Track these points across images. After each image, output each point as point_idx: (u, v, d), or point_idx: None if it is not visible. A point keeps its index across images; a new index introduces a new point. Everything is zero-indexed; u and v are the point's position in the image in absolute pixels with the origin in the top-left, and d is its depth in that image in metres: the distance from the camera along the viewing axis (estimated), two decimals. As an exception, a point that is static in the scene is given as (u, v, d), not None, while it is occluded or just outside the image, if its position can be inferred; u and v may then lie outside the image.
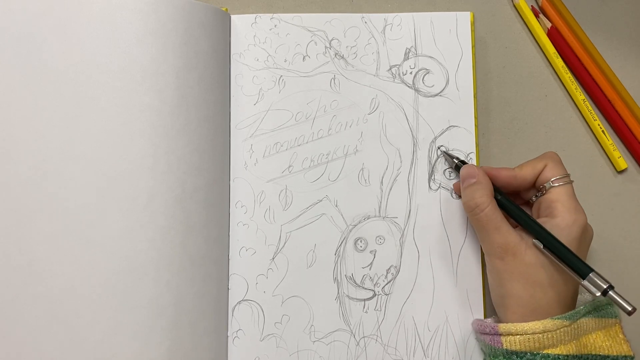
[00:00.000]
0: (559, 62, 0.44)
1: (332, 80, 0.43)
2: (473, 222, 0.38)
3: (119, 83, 0.38)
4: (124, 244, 0.37)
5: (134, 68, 0.38)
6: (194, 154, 0.39)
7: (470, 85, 0.43)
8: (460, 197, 0.41)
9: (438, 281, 0.41)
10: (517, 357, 0.34)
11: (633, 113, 0.44)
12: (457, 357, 0.40)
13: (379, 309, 0.41)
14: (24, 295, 0.36)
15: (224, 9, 0.43)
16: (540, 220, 0.36)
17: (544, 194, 0.38)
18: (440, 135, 0.42)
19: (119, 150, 0.37)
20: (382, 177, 0.42)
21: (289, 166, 0.42)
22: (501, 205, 0.37)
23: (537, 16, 0.45)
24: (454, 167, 0.41)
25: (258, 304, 0.41)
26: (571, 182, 0.37)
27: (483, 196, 0.37)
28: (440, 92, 0.43)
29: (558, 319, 0.34)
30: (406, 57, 0.43)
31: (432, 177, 0.42)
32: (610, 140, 0.44)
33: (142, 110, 0.38)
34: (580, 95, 0.44)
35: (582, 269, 0.34)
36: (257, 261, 0.41)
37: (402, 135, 0.42)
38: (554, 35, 0.45)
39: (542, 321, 0.34)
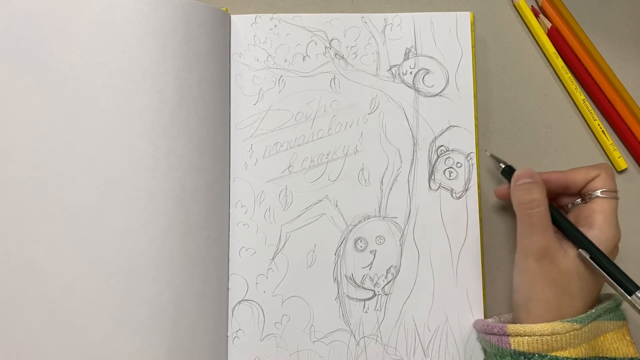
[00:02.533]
0: (559, 62, 0.44)
1: (332, 80, 0.43)
2: (523, 217, 0.37)
3: (119, 83, 0.38)
4: (124, 244, 0.37)
5: (134, 68, 0.38)
6: (194, 154, 0.39)
7: (470, 85, 0.43)
8: (499, 198, 0.41)
9: (438, 281, 0.41)
10: (524, 358, 0.34)
11: (633, 113, 0.44)
12: (457, 357, 0.40)
13: (379, 309, 0.41)
14: (24, 295, 0.36)
15: (224, 9, 0.43)
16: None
17: (586, 202, 0.38)
18: (440, 135, 0.42)
19: (119, 150, 0.37)
20: (382, 177, 0.42)
21: (289, 166, 0.42)
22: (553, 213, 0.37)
23: (537, 16, 0.45)
24: (500, 171, 0.41)
25: (258, 304, 0.41)
26: (617, 198, 0.37)
27: (540, 193, 0.36)
28: (441, 92, 0.43)
29: (568, 322, 0.34)
30: (406, 57, 0.43)
31: (432, 177, 0.42)
32: (610, 140, 0.44)
33: (142, 110, 0.38)
34: (580, 95, 0.44)
35: (629, 286, 0.34)
36: (257, 261, 0.41)
37: (402, 135, 0.42)
38: (554, 35, 0.45)
39: (551, 323, 0.34)
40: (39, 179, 0.37)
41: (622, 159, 0.44)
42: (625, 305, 0.38)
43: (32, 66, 0.38)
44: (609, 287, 0.36)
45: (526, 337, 0.34)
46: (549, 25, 0.45)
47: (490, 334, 0.37)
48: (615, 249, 0.37)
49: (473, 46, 0.43)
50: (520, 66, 0.45)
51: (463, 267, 0.41)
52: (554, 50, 0.45)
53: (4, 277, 0.36)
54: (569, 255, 0.36)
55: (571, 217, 0.39)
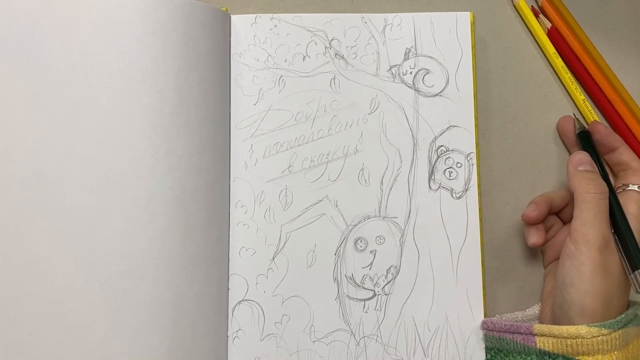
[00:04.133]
0: (559, 62, 0.44)
1: (332, 80, 0.43)
2: (591, 205, 0.36)
3: (119, 83, 0.38)
4: (124, 244, 0.37)
5: (134, 68, 0.38)
6: (194, 154, 0.39)
7: (470, 85, 0.43)
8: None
9: (438, 281, 0.41)
10: (549, 358, 0.34)
11: (633, 113, 0.44)
12: (457, 357, 0.40)
13: (379, 309, 0.41)
14: (24, 295, 0.36)
15: (224, 9, 0.43)
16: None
17: (619, 192, 0.39)
18: (440, 135, 0.42)
19: (119, 150, 0.37)
20: (382, 177, 0.42)
21: (289, 166, 0.42)
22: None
23: (537, 16, 0.45)
24: (577, 133, 0.42)
25: (258, 304, 0.41)
26: None
27: (604, 185, 0.37)
28: (441, 92, 0.43)
29: (595, 326, 0.33)
30: (406, 57, 0.43)
31: (432, 177, 0.42)
32: (610, 140, 0.44)
33: (142, 110, 0.38)
34: (580, 96, 0.44)
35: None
36: (257, 261, 0.41)
37: (402, 135, 0.42)
38: (554, 35, 0.45)
39: (577, 327, 0.33)
40: (39, 179, 0.37)
41: (622, 159, 0.44)
42: None
43: (32, 66, 0.38)
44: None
45: (551, 338, 0.34)
46: (549, 25, 0.45)
47: (516, 332, 0.37)
48: None
49: (473, 46, 0.43)
50: (520, 66, 0.45)
51: (463, 267, 0.41)
52: (554, 50, 0.45)
53: (4, 277, 0.36)
54: (616, 256, 0.35)
55: None
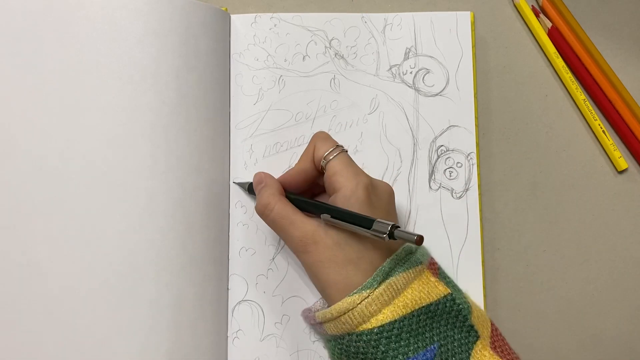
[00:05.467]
0: (559, 62, 0.44)
1: (332, 80, 0.43)
2: (269, 224, 0.36)
3: (119, 83, 0.38)
4: (124, 244, 0.37)
5: (134, 68, 0.38)
6: (194, 154, 0.39)
7: (471, 85, 0.42)
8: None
9: (438, 281, 0.41)
10: (342, 340, 0.33)
11: (633, 113, 0.43)
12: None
13: (379, 309, 0.41)
14: (24, 295, 0.36)
15: (223, 8, 0.43)
16: (330, 199, 0.35)
17: (325, 174, 0.36)
18: (440, 135, 0.42)
19: (119, 150, 0.37)
20: (382, 177, 0.42)
21: (289, 166, 0.42)
22: (293, 203, 0.37)
23: (537, 16, 0.45)
24: (247, 189, 0.41)
25: (258, 304, 0.41)
26: (344, 151, 0.36)
27: (270, 196, 0.36)
28: (441, 91, 0.43)
29: (355, 293, 0.32)
30: (406, 57, 0.43)
31: (433, 177, 0.42)
32: (610, 140, 0.44)
33: (142, 110, 0.38)
34: (580, 95, 0.44)
35: (365, 222, 0.32)
36: (257, 261, 0.41)
37: (402, 135, 0.42)
38: (555, 35, 0.45)
39: (341, 302, 0.32)
40: (39, 179, 0.37)
41: (622, 159, 0.43)
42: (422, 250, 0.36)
43: (32, 66, 0.38)
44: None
45: (331, 322, 0.33)
46: (549, 25, 0.45)
47: (312, 323, 0.36)
48: (373, 192, 0.35)
49: (473, 46, 0.43)
50: (521, 66, 0.45)
51: (463, 267, 0.41)
52: (555, 50, 0.45)
53: (4, 277, 0.36)
54: (329, 230, 0.34)
55: (327, 194, 0.37)
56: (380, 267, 0.33)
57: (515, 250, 0.43)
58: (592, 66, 0.44)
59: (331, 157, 0.36)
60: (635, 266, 0.43)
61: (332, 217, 0.33)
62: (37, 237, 0.37)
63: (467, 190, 0.42)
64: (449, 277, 0.36)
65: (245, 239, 0.41)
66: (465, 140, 0.42)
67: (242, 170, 0.42)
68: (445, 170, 0.42)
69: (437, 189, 0.42)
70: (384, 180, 0.38)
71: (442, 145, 0.42)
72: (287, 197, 0.37)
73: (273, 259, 0.41)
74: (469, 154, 0.42)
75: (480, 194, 0.42)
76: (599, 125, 0.44)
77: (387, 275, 0.33)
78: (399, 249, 0.34)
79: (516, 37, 0.45)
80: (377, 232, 0.31)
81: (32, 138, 0.37)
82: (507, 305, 0.43)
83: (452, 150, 0.42)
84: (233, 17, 0.43)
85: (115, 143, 0.38)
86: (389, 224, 0.31)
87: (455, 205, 0.42)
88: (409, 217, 0.41)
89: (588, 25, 0.45)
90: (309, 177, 0.38)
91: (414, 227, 0.41)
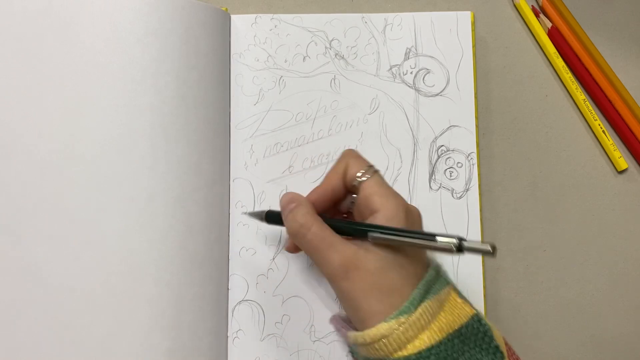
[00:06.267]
0: (559, 62, 0.44)
1: (333, 80, 0.43)
2: (304, 247, 0.34)
3: (119, 83, 0.38)
4: (124, 244, 0.37)
5: (134, 68, 0.38)
6: (194, 154, 0.39)
7: (471, 85, 0.42)
8: (291, 252, 0.38)
9: (438, 281, 0.41)
10: None
11: (633, 113, 0.43)
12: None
13: (379, 309, 0.41)
14: (24, 295, 0.36)
15: (224, 9, 0.43)
16: (368, 220, 0.33)
17: (358, 194, 0.34)
18: (440, 135, 0.42)
19: (119, 150, 0.37)
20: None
21: (289, 166, 0.42)
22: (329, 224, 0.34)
23: (537, 16, 0.45)
24: (265, 219, 0.37)
25: (258, 304, 0.41)
26: (377, 171, 0.34)
27: (305, 214, 0.33)
28: (441, 92, 0.43)
29: (392, 319, 0.30)
30: (406, 57, 0.43)
31: (433, 177, 0.42)
32: (610, 140, 0.44)
33: (142, 110, 0.38)
34: (580, 95, 0.44)
35: (427, 237, 0.30)
36: (257, 261, 0.41)
37: (402, 135, 0.42)
38: (555, 35, 0.45)
39: (376, 327, 0.30)
40: (39, 179, 0.37)
41: (622, 159, 0.43)
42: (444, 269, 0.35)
43: (32, 66, 0.38)
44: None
45: (363, 347, 0.31)
46: (549, 25, 0.45)
47: (343, 338, 0.35)
48: (410, 215, 0.33)
49: (473, 46, 0.43)
50: (521, 66, 0.45)
51: (463, 267, 0.41)
52: (555, 50, 0.45)
53: (3, 277, 0.36)
54: (371, 252, 0.31)
55: (357, 214, 0.35)
56: (416, 290, 0.31)
57: (515, 250, 0.43)
58: (592, 66, 0.44)
59: (366, 177, 0.34)
60: (635, 266, 0.43)
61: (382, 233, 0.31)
62: (37, 237, 0.37)
63: (467, 190, 0.42)
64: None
65: (245, 239, 0.41)
66: (465, 140, 0.42)
67: (243, 171, 0.42)
68: (445, 170, 0.42)
69: (438, 189, 0.42)
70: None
71: (442, 146, 0.42)
72: (322, 217, 0.35)
73: (273, 258, 0.41)
74: (469, 154, 0.42)
75: (480, 194, 0.42)
76: (599, 125, 0.44)
77: (423, 298, 0.31)
78: (429, 271, 0.32)
79: (516, 37, 0.45)
80: (446, 245, 0.29)
81: (32, 138, 0.37)
82: (507, 305, 0.43)
83: (453, 150, 0.42)
84: (233, 17, 0.43)
85: (115, 143, 0.38)
86: (454, 237, 0.29)
87: (455, 205, 0.42)
88: (409, 217, 0.41)
89: (588, 25, 0.45)
90: (337, 196, 0.36)
91: (414, 227, 0.41)
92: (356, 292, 0.31)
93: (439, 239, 0.30)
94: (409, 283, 0.31)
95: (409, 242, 0.31)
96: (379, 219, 0.32)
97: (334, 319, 0.36)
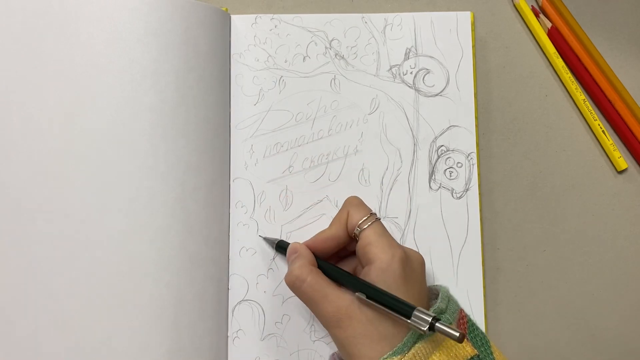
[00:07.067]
0: (559, 62, 0.44)
1: (333, 80, 0.43)
2: (299, 296, 0.35)
3: (119, 83, 0.38)
4: (124, 244, 0.37)
5: (134, 68, 0.38)
6: (194, 154, 0.39)
7: (471, 85, 0.43)
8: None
9: (438, 281, 0.41)
10: None
11: (633, 113, 0.43)
12: (458, 357, 0.40)
13: (379, 309, 0.41)
14: (24, 296, 0.36)
15: (224, 9, 0.43)
16: (364, 270, 0.35)
17: (358, 243, 0.36)
18: (440, 135, 0.42)
19: (119, 150, 0.37)
20: (383, 177, 0.42)
21: (289, 166, 0.42)
22: (325, 273, 0.36)
23: (537, 16, 0.45)
24: (275, 247, 0.40)
25: (258, 304, 0.41)
26: (378, 219, 0.36)
27: (301, 267, 0.35)
28: (441, 92, 0.43)
29: (385, 359, 0.31)
30: (406, 57, 0.43)
31: (433, 177, 0.42)
32: (610, 140, 0.44)
33: (142, 110, 0.38)
34: (580, 95, 0.44)
35: (404, 309, 0.31)
36: (257, 261, 0.41)
37: (402, 135, 0.42)
38: (555, 35, 0.45)
39: None
40: (39, 179, 0.37)
41: (622, 159, 0.44)
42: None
43: (32, 66, 0.38)
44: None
45: None
46: (549, 25, 0.45)
47: None
48: (407, 265, 0.34)
49: (473, 46, 0.43)
50: (521, 66, 0.45)
51: (463, 267, 0.41)
52: (554, 50, 0.45)
53: (4, 277, 0.36)
54: (365, 304, 0.33)
55: (359, 261, 0.36)
56: (411, 332, 0.32)
57: (515, 250, 0.43)
58: (592, 66, 0.44)
59: (365, 226, 0.35)
60: (635, 266, 0.43)
61: (367, 297, 0.32)
62: (37, 237, 0.37)
63: (467, 190, 0.42)
64: (478, 329, 0.34)
65: (245, 239, 0.41)
66: (465, 140, 0.42)
67: (243, 170, 0.42)
68: (445, 170, 0.42)
69: (437, 189, 0.42)
70: (414, 250, 0.37)
71: (442, 145, 0.42)
72: (321, 264, 0.36)
73: (273, 258, 0.41)
74: (469, 154, 0.42)
75: (480, 194, 0.42)
76: (599, 125, 0.44)
77: (417, 339, 0.32)
78: (430, 311, 0.33)
79: (516, 37, 0.45)
80: (417, 323, 0.30)
81: (32, 138, 0.37)
82: (507, 305, 0.43)
83: (452, 150, 0.42)
84: (233, 17, 0.43)
85: (115, 143, 0.38)
86: (430, 316, 0.30)
87: (455, 205, 0.42)
88: (409, 217, 0.41)
89: (588, 25, 0.45)
90: (340, 243, 0.37)
91: (414, 227, 0.41)
92: (348, 340, 0.33)
93: (414, 314, 0.31)
94: (399, 333, 0.32)
95: (385, 310, 0.32)
96: (373, 271, 0.34)
97: (333, 357, 0.38)
